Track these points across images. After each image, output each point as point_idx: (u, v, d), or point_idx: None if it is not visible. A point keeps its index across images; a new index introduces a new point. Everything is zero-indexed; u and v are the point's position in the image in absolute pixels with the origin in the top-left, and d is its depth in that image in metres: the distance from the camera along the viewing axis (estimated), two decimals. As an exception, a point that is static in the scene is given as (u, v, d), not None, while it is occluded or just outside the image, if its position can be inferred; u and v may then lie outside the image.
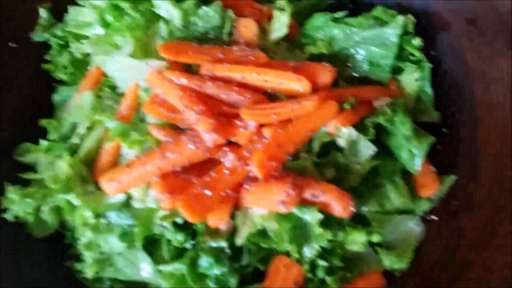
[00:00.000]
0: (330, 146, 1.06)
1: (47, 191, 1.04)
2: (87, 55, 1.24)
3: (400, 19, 1.12)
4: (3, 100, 1.23)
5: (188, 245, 1.03)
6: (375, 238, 1.03)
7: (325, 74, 1.08)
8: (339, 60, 1.17)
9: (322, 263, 1.02)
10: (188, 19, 1.12)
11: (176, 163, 1.01)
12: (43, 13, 1.28)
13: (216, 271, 0.99)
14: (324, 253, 1.01)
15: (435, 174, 1.14)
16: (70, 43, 1.24)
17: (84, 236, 1.03)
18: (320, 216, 0.96)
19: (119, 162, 1.11)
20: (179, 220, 1.02)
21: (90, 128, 1.13)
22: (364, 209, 1.08)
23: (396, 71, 1.18)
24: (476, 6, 1.12)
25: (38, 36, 1.28)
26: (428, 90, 1.19)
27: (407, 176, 1.13)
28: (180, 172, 1.03)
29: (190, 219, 0.96)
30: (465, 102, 1.18)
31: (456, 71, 1.20)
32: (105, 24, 1.16)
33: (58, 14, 1.30)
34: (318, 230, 0.97)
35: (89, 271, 1.04)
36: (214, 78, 1.07)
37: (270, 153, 1.00)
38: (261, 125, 1.04)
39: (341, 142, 1.04)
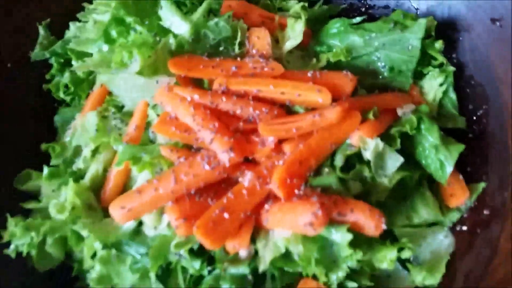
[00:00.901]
0: (354, 159, 0.99)
1: (51, 222, 0.97)
2: (90, 73, 1.18)
3: (422, 21, 1.07)
4: (1, 124, 1.16)
5: (205, 273, 0.96)
6: (406, 254, 0.96)
7: (346, 83, 1.02)
8: (357, 67, 1.11)
9: (351, 284, 0.94)
10: (198, 32, 1.06)
11: (191, 185, 0.93)
12: (42, 30, 1.22)
13: (240, 299, 0.91)
14: (352, 273, 0.94)
15: (464, 183, 1.08)
16: (72, 61, 1.18)
17: (94, 269, 0.95)
18: (350, 236, 0.89)
19: (128, 186, 1.05)
20: (195, 246, 0.95)
21: (95, 151, 1.06)
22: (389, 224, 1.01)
23: (417, 76, 1.13)
24: (500, 4, 1.06)
25: (37, 55, 1.22)
26: (452, 95, 1.14)
27: (433, 185, 1.07)
28: (195, 195, 0.95)
29: (209, 246, 0.89)
30: (491, 106, 1.12)
31: (481, 74, 1.14)
32: (109, 40, 1.09)
33: (58, 31, 1.24)
34: (347, 250, 0.89)
35: (101, 307, 0.96)
36: (227, 93, 1.00)
37: (292, 170, 0.93)
38: (280, 141, 0.98)
39: (367, 154, 0.97)
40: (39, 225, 0.95)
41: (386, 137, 1.01)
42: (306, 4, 1.22)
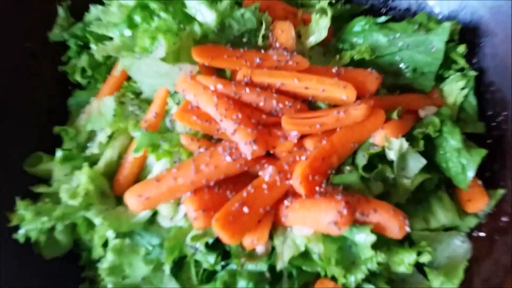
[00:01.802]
0: (375, 159, 0.98)
1: (63, 208, 0.92)
2: (108, 57, 1.14)
3: (447, 24, 1.06)
4: (15, 104, 1.12)
5: (218, 268, 0.93)
6: (425, 258, 0.94)
7: (371, 81, 1.00)
8: (379, 66, 1.09)
9: (369, 286, 0.92)
10: (223, 22, 1.04)
11: (211, 177, 0.91)
12: (61, 11, 1.19)
13: (256, 296, 0.89)
14: (369, 276, 0.92)
15: (483, 189, 1.07)
16: (90, 44, 1.14)
17: (105, 259, 0.92)
18: (373, 237, 0.87)
19: (142, 175, 1.01)
20: (210, 240, 0.92)
21: (110, 137, 1.03)
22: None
23: (438, 79, 1.12)
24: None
25: (55, 35, 1.18)
26: (472, 99, 1.13)
27: (451, 190, 1.06)
28: (213, 187, 0.93)
29: (227, 239, 0.86)
30: (511, 112, 1.12)
31: (501, 80, 1.13)
32: (132, 25, 1.06)
33: (78, 13, 1.20)
34: (369, 252, 0.87)
35: (110, 298, 0.92)
36: (250, 85, 0.98)
37: (314, 167, 0.91)
38: (301, 136, 0.96)
39: (391, 154, 0.95)
40: (50, 210, 0.91)
41: (408, 139, 0.99)
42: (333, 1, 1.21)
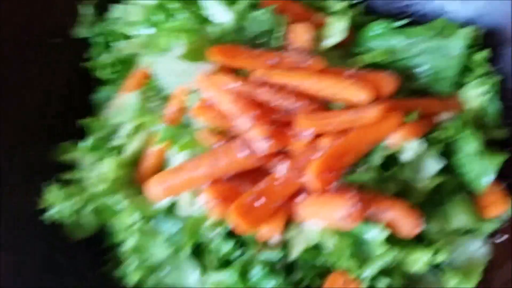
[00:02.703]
0: (391, 160, 1.00)
1: (91, 192, 0.98)
2: (131, 55, 1.19)
3: (467, 30, 1.07)
4: (40, 99, 1.18)
5: (233, 256, 0.97)
6: (441, 258, 0.95)
7: (388, 83, 1.02)
8: (396, 70, 1.10)
9: (382, 282, 0.94)
10: (241, 22, 1.08)
11: (229, 169, 0.95)
12: (88, 9, 1.24)
13: (269, 284, 0.92)
14: (384, 273, 0.93)
15: (504, 193, 1.06)
16: (113, 41, 1.20)
17: (130, 239, 0.98)
18: (386, 234, 0.89)
19: (161, 169, 1.06)
20: (226, 229, 0.96)
21: (134, 130, 1.08)
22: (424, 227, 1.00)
23: (458, 84, 1.13)
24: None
25: (80, 33, 1.24)
26: (493, 105, 1.12)
27: (470, 194, 1.05)
28: (230, 180, 0.97)
29: (242, 229, 0.90)
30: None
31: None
32: (154, 24, 1.11)
33: (99, 12, 1.26)
34: (381, 248, 0.90)
35: (132, 278, 0.98)
36: (267, 84, 1.02)
37: (329, 164, 0.93)
38: (316, 136, 0.99)
39: (406, 156, 0.97)
40: (79, 193, 0.97)
41: (425, 141, 0.99)
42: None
